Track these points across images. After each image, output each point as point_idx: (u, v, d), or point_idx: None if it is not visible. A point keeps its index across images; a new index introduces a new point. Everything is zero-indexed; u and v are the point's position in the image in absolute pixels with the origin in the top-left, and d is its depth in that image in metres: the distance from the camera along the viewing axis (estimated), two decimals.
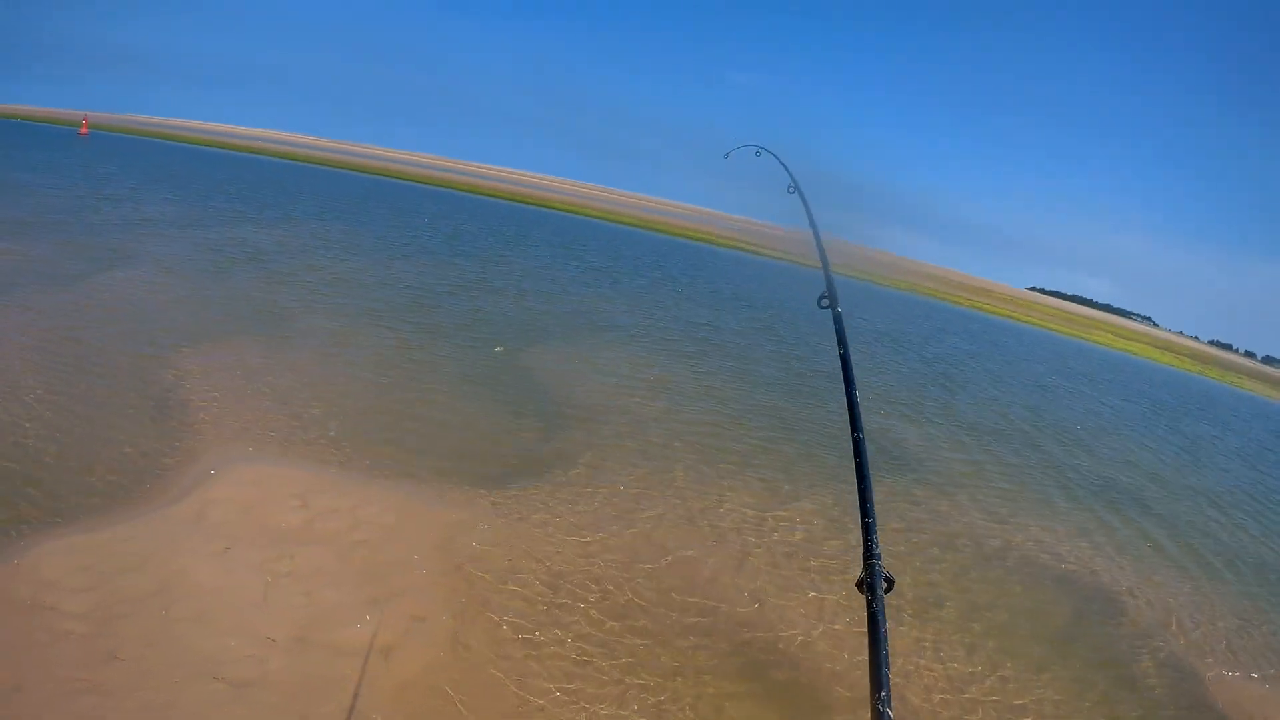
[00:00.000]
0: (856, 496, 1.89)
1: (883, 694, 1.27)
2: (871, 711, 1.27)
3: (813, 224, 4.10)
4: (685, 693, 4.19)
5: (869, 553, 1.70)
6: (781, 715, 4.23)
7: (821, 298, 3.05)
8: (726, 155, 6.18)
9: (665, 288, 22.04)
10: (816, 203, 4.28)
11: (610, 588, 5.08)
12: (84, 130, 40.53)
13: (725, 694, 4.26)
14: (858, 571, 1.66)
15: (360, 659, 3.90)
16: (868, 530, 1.78)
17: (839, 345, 2.68)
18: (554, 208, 58.16)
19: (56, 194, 16.41)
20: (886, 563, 1.72)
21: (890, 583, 1.64)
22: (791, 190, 4.49)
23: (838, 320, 2.88)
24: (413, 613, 4.37)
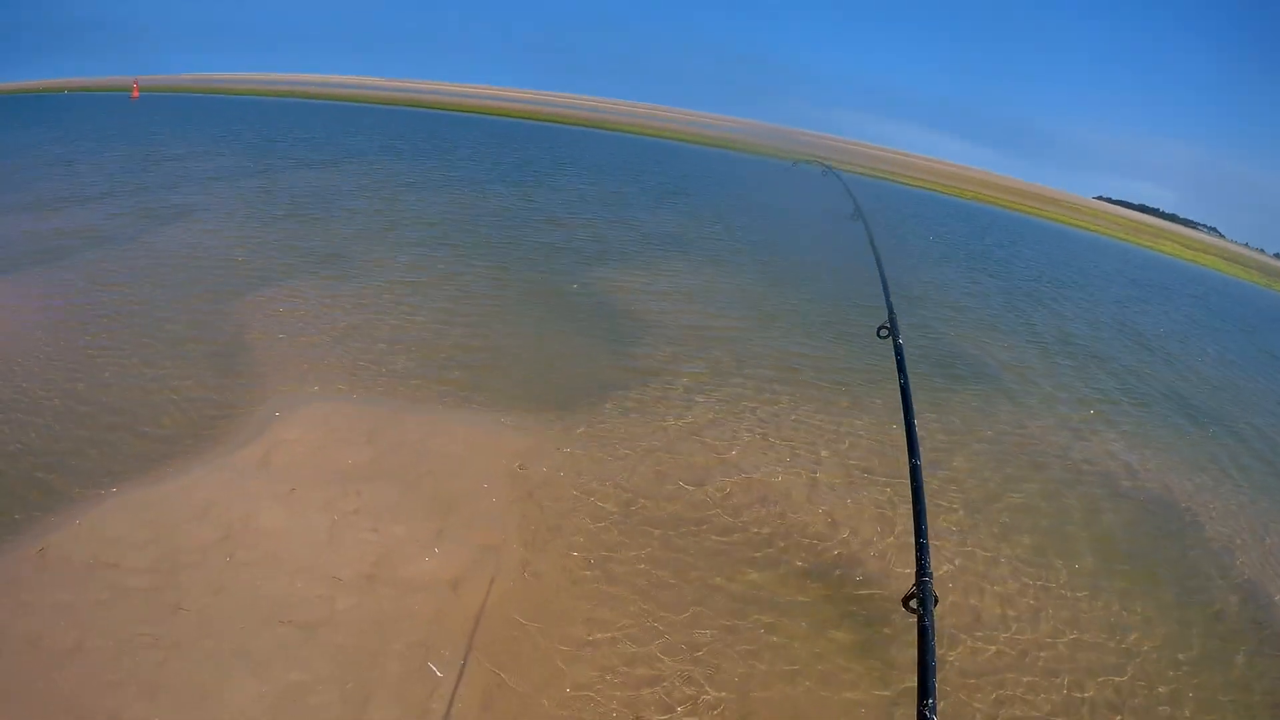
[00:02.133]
0: (911, 515, 2.01)
1: (929, 701, 1.39)
2: (918, 716, 1.38)
3: (875, 251, 4.30)
4: (758, 615, 3.84)
5: (921, 570, 1.78)
6: (850, 631, 3.83)
7: (881, 328, 3.03)
8: (794, 164, 6.35)
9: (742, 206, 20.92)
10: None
11: (683, 509, 4.73)
12: (135, 94, 41.21)
13: (798, 612, 3.89)
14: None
15: (430, 593, 3.70)
16: (921, 550, 1.87)
17: (899, 375, 2.75)
18: (606, 128, 56.33)
19: (112, 159, 16.52)
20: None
21: (936, 600, 1.72)
22: (854, 218, 4.62)
23: (899, 351, 2.90)
24: (482, 543, 4.14)
